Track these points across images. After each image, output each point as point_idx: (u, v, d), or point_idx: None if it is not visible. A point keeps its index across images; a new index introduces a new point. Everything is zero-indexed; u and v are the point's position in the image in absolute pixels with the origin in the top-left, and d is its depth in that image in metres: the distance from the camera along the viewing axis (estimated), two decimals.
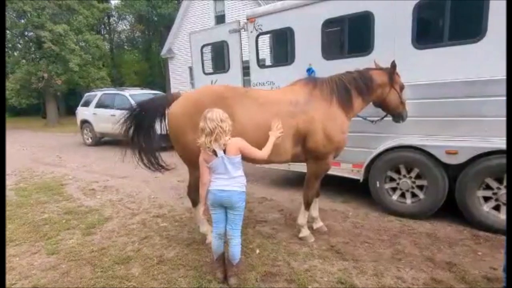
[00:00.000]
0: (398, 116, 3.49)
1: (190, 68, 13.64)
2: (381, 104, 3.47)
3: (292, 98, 3.10)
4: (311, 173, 3.26)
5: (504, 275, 2.22)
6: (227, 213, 2.54)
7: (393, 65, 3.29)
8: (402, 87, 3.41)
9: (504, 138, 2.98)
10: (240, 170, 2.50)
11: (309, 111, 3.04)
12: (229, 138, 2.41)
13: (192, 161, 3.09)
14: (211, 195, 2.48)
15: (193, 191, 3.26)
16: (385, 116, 3.61)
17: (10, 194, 5.43)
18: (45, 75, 17.39)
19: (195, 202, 3.33)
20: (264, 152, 2.57)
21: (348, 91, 3.19)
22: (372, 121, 3.71)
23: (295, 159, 3.23)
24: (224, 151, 2.40)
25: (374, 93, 3.34)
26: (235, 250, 2.56)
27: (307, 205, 3.35)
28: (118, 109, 9.78)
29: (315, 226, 3.57)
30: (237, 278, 2.60)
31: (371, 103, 3.49)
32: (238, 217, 2.54)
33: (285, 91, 3.34)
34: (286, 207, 4.39)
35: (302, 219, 3.38)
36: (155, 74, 29.00)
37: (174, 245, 3.36)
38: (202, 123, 2.38)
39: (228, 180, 2.44)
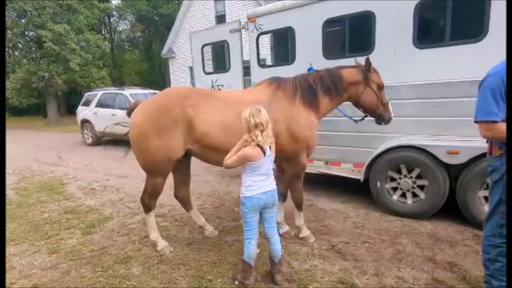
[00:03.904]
0: (379, 117, 3.28)
1: (191, 68, 13.61)
2: (357, 103, 3.32)
3: (256, 98, 3.04)
4: (291, 175, 3.24)
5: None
6: (264, 213, 2.54)
7: (368, 62, 3.12)
8: (380, 86, 3.20)
9: None
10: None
11: (271, 112, 2.90)
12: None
13: (152, 167, 3.02)
14: (254, 201, 2.42)
15: (149, 197, 3.16)
16: (366, 116, 3.42)
17: (10, 194, 5.44)
18: (46, 74, 17.41)
19: (148, 208, 3.22)
20: None
21: (313, 90, 3.13)
22: (355, 121, 3.57)
23: None
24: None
25: (345, 92, 3.21)
26: (277, 248, 2.58)
27: (299, 206, 3.36)
28: (118, 108, 9.80)
29: (281, 231, 3.40)
30: (281, 275, 2.64)
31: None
32: (274, 214, 2.59)
33: (249, 91, 3.35)
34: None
35: (298, 220, 3.41)
36: (156, 73, 29.00)
37: (175, 244, 3.36)
38: (257, 119, 2.32)
39: (266, 180, 2.46)
